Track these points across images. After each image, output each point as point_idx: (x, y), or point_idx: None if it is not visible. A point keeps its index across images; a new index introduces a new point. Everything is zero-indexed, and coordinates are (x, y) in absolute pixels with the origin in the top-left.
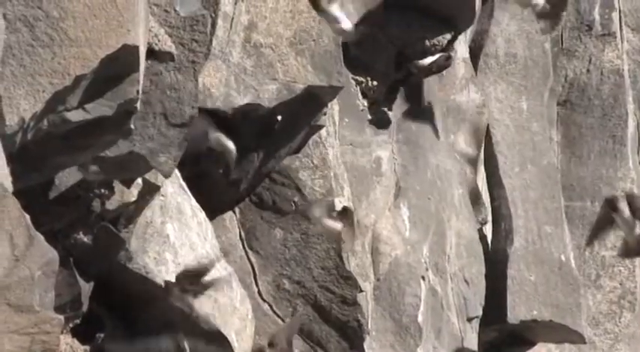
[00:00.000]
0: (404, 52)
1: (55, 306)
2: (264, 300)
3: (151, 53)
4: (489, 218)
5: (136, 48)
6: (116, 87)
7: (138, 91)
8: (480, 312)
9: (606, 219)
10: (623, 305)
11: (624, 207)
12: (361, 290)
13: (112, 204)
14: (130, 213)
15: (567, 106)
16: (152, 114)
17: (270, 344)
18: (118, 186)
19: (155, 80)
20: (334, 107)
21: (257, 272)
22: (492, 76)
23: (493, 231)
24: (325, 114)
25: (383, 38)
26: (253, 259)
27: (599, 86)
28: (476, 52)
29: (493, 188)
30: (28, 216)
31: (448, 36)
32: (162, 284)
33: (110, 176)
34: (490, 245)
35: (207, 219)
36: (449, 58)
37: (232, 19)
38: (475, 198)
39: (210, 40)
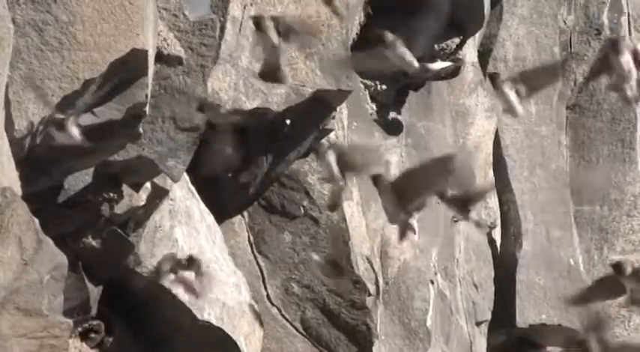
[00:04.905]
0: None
1: (63, 310)
2: (273, 304)
3: (160, 57)
4: (498, 222)
5: (144, 52)
6: (125, 91)
7: (147, 95)
8: (489, 316)
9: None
10: (631, 309)
11: None
12: (370, 295)
13: (120, 208)
14: (139, 217)
15: (576, 110)
16: (161, 118)
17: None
18: (126, 190)
19: (164, 84)
20: (343, 111)
21: (266, 276)
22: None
23: (502, 234)
24: (334, 118)
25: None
26: (262, 263)
27: (608, 90)
28: (485, 56)
29: (502, 192)
30: (37, 220)
31: (457, 40)
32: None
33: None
34: (499, 249)
35: (215, 223)
36: (458, 68)
37: (241, 23)
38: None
39: (219, 45)
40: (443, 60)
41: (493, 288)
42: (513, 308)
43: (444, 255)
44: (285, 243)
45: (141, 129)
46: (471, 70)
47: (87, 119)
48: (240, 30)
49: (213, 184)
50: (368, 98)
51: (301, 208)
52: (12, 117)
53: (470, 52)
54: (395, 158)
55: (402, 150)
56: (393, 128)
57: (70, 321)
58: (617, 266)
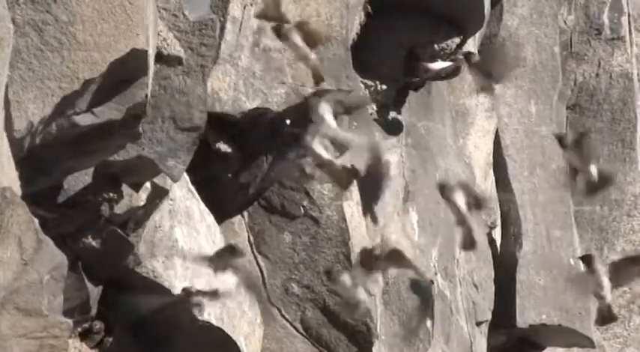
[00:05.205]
0: (414, 52)
1: (63, 310)
2: (273, 304)
3: (160, 57)
4: (498, 222)
5: (144, 52)
6: (125, 91)
7: (146, 95)
8: (489, 316)
9: None
10: (632, 309)
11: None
12: (370, 295)
13: (120, 208)
14: (139, 217)
15: (576, 110)
16: (161, 118)
17: None
18: (126, 190)
19: (164, 84)
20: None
21: (266, 276)
22: None
23: (502, 234)
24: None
25: (392, 42)
26: (262, 263)
27: (608, 90)
28: None
29: (502, 192)
30: (36, 220)
31: (457, 40)
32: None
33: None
34: (499, 249)
35: (215, 223)
36: (458, 68)
37: (241, 23)
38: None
39: (219, 45)
40: (443, 60)
41: (493, 288)
42: (513, 309)
43: (444, 255)
44: (285, 243)
45: (141, 129)
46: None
47: (87, 119)
48: (240, 30)
49: (213, 184)
50: None
51: (301, 208)
52: (12, 117)
53: None
54: (395, 158)
55: (402, 150)
56: (393, 128)
57: (70, 321)
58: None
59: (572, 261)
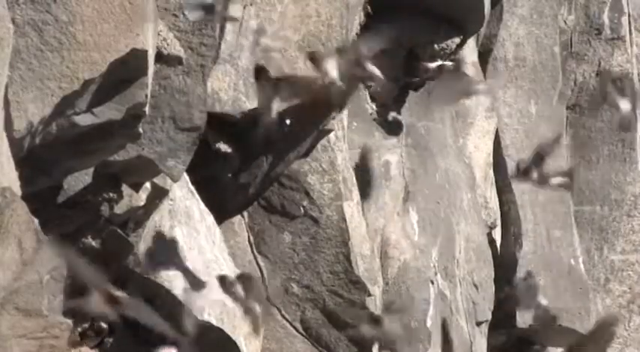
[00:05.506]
0: (414, 52)
1: (63, 310)
2: (273, 304)
3: (160, 57)
4: (498, 222)
5: (144, 52)
6: (125, 91)
7: (146, 95)
8: (489, 316)
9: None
10: (632, 309)
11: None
12: (370, 295)
13: (120, 209)
14: (139, 217)
15: (576, 110)
16: (161, 118)
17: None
18: (126, 190)
19: (164, 84)
20: (343, 111)
21: (266, 276)
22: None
23: (502, 234)
24: (334, 118)
25: (392, 41)
26: (262, 263)
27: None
28: (485, 55)
29: (502, 192)
30: (36, 221)
31: (457, 40)
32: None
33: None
34: (499, 249)
35: (215, 223)
36: (457, 67)
37: (241, 23)
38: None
39: (219, 45)
40: (443, 60)
41: (493, 288)
42: (513, 309)
43: (444, 255)
44: (285, 243)
45: (141, 129)
46: (471, 70)
47: (87, 119)
48: (240, 30)
49: (213, 184)
50: (368, 98)
51: (301, 208)
52: (11, 117)
53: (470, 52)
54: (395, 158)
55: (402, 150)
56: (393, 128)
57: (70, 321)
58: None
59: (571, 261)
